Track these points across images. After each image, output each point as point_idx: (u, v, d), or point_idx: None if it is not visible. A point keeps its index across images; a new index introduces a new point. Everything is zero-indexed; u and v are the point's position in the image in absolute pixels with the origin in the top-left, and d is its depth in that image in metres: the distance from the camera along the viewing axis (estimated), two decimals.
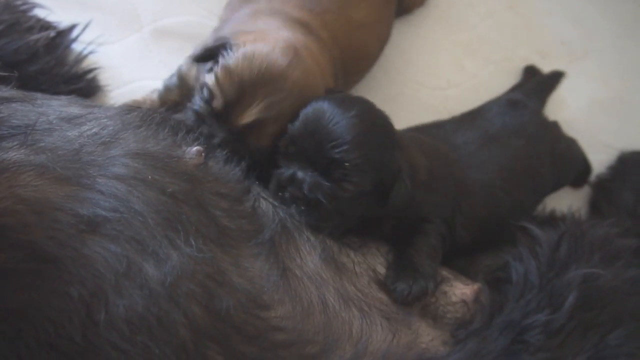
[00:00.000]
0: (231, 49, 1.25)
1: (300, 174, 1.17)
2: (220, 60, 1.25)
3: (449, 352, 1.14)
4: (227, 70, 1.23)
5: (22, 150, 1.03)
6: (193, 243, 1.03)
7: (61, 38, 1.64)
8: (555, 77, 1.89)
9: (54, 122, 1.12)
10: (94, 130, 1.13)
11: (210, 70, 1.27)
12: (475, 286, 1.26)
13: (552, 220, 1.51)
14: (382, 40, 1.71)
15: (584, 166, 1.77)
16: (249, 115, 1.22)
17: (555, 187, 1.65)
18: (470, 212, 1.36)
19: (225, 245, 1.07)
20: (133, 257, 0.97)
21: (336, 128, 1.15)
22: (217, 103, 1.24)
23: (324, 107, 1.18)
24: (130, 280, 0.96)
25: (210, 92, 1.24)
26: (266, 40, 1.28)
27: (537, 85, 1.84)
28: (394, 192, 1.18)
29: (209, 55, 1.30)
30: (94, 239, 0.97)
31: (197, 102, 1.29)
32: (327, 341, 1.07)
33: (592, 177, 1.80)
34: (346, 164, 1.14)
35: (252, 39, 1.28)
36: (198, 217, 1.07)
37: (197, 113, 1.28)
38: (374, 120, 1.21)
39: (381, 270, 1.23)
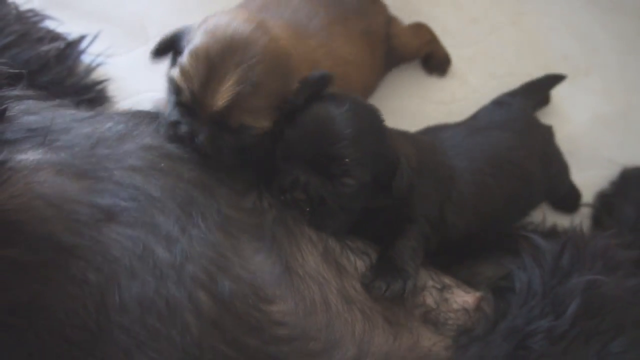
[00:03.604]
0: (191, 30, 1.17)
1: (302, 177, 1.17)
2: (185, 48, 1.15)
3: (451, 356, 1.15)
4: (192, 53, 1.12)
5: (40, 150, 1.06)
6: (201, 225, 1.05)
7: (71, 49, 1.66)
8: (550, 80, 1.88)
9: (70, 123, 1.14)
10: (107, 125, 1.16)
11: (174, 64, 1.17)
12: (477, 294, 1.28)
13: (554, 233, 1.52)
14: (366, 85, 1.70)
15: (574, 191, 1.78)
16: (225, 92, 1.11)
17: (550, 191, 1.66)
18: (460, 198, 1.36)
19: (227, 233, 1.09)
20: (147, 240, 1.00)
21: (332, 124, 1.16)
22: (185, 95, 1.13)
23: (317, 107, 1.19)
24: (143, 263, 0.98)
25: (176, 86, 1.13)
26: (228, 15, 1.20)
27: (525, 86, 1.84)
28: (397, 180, 1.19)
29: (166, 45, 1.20)
30: (111, 226, 1.00)
31: (169, 108, 1.18)
32: (330, 339, 1.09)
33: (595, 192, 1.81)
34: (346, 159, 1.15)
35: (213, 17, 1.20)
36: (205, 201, 1.10)
37: (170, 121, 1.17)
38: (366, 113, 1.23)
39: None
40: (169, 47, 1.19)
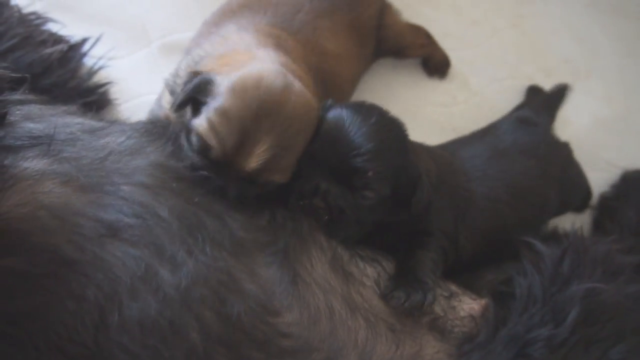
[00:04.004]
0: (214, 83, 1.13)
1: (323, 185, 1.16)
2: (210, 101, 1.13)
3: None
4: (222, 113, 1.10)
5: (45, 160, 1.05)
6: (208, 251, 1.04)
7: (73, 52, 1.67)
8: (561, 92, 1.90)
9: (77, 133, 1.14)
10: (119, 139, 1.15)
11: (196, 113, 1.16)
12: (483, 301, 1.28)
13: (555, 237, 1.51)
14: (354, 75, 1.70)
15: (586, 191, 1.78)
16: (259, 157, 1.11)
17: (558, 211, 1.65)
18: (473, 223, 1.37)
19: (239, 255, 1.08)
20: (150, 261, 0.99)
21: (357, 137, 1.15)
22: (216, 153, 1.11)
23: (343, 116, 1.18)
24: (146, 284, 0.97)
25: (204, 142, 1.11)
26: (248, 64, 1.19)
27: (545, 102, 1.85)
28: (417, 196, 1.19)
29: (189, 98, 1.16)
30: (114, 243, 0.99)
31: (189, 151, 1.16)
32: (333, 348, 1.08)
33: (596, 195, 1.80)
34: (369, 173, 1.14)
35: (233, 65, 1.18)
36: (215, 226, 1.09)
37: (194, 165, 1.15)
38: (392, 127, 1.22)
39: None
40: (191, 99, 1.17)
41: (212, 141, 1.11)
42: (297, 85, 1.19)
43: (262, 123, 1.10)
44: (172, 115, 1.34)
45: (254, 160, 1.11)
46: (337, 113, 1.20)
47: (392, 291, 1.18)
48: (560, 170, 1.58)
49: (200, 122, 1.13)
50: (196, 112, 1.16)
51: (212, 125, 1.11)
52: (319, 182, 1.17)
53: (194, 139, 1.14)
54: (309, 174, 1.18)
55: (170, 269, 1.00)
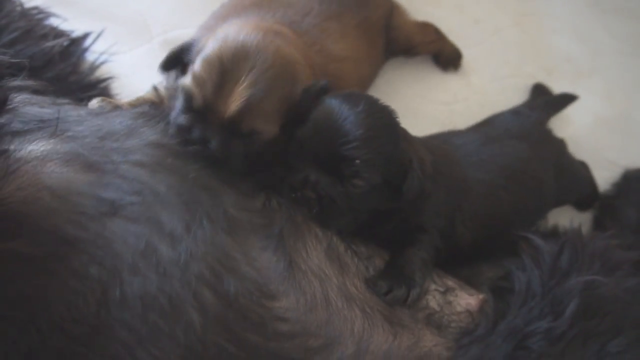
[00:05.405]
0: (199, 44, 1.20)
1: (312, 176, 1.16)
2: (195, 58, 1.18)
3: (451, 356, 1.15)
4: (204, 60, 1.15)
5: (51, 141, 1.06)
6: (206, 225, 1.05)
7: (75, 46, 1.68)
8: (565, 99, 1.90)
9: (83, 114, 1.16)
10: (118, 119, 1.17)
11: (182, 74, 1.22)
12: (481, 296, 1.27)
13: (554, 234, 1.51)
14: (362, 78, 1.68)
15: (592, 190, 1.78)
16: (238, 96, 1.13)
17: (558, 201, 1.66)
18: (471, 210, 1.36)
19: (234, 235, 1.09)
20: (151, 237, 1.00)
21: (344, 124, 1.14)
22: (198, 100, 1.14)
23: (331, 105, 1.18)
24: (146, 260, 0.98)
25: (188, 92, 1.15)
26: (236, 25, 1.24)
27: (544, 103, 1.85)
28: (408, 183, 1.18)
29: (175, 58, 1.24)
30: (114, 220, 0.99)
31: (176, 113, 1.19)
32: (329, 335, 1.08)
33: None
34: (357, 160, 1.13)
35: (222, 28, 1.24)
36: (211, 204, 1.09)
37: (179, 126, 1.18)
38: (381, 115, 1.21)
39: None
40: (177, 59, 1.22)
41: (195, 89, 1.14)
42: (279, 40, 1.23)
43: (241, 64, 1.14)
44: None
45: (234, 101, 1.13)
46: (325, 104, 1.20)
47: (377, 280, 1.19)
48: (554, 155, 1.59)
49: (185, 78, 1.18)
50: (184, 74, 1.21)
51: (195, 75, 1.15)
52: (309, 173, 1.17)
53: (180, 95, 1.18)
54: (300, 165, 1.18)
55: (170, 243, 1.01)
